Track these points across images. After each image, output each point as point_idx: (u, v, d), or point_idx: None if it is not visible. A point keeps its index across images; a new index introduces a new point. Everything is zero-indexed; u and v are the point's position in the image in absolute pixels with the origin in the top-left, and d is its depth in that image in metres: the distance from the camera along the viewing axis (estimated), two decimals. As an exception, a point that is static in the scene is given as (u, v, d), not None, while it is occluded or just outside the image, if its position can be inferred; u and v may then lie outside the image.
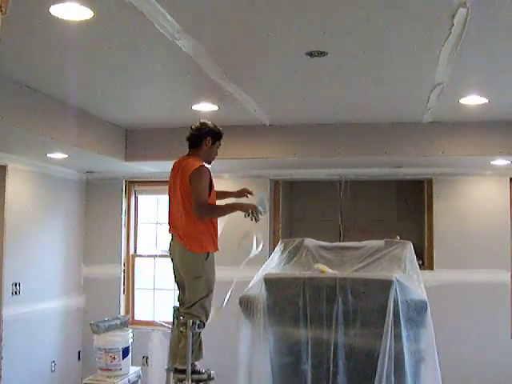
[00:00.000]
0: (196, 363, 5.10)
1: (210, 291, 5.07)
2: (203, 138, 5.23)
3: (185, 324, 4.94)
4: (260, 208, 4.95)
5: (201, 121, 5.27)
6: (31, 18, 3.60)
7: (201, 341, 5.12)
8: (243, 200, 5.31)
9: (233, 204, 5.26)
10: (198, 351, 5.12)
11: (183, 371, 4.97)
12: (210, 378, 4.98)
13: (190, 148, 5.25)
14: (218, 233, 5.11)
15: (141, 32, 3.86)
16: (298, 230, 8.41)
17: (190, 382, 4.98)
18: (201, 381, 5.08)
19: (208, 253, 5.05)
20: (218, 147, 5.27)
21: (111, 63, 4.67)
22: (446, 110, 6.05)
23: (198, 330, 5.00)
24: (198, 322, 4.99)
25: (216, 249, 5.12)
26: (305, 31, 3.89)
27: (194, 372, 5.04)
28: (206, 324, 5.09)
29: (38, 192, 7.67)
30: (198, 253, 5.11)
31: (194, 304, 5.11)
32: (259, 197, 5.10)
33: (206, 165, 5.08)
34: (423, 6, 3.47)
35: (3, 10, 1.10)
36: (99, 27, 3.80)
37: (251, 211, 4.95)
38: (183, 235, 5.09)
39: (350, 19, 3.70)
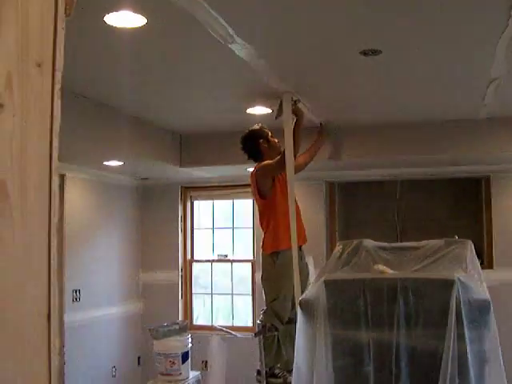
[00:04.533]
0: (276, 367, 5.10)
1: (279, 294, 5.05)
2: (256, 142, 5.31)
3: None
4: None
5: (244, 133, 5.39)
6: (87, 28, 3.65)
7: (280, 344, 5.09)
8: None
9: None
10: (276, 355, 5.10)
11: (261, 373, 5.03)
12: (285, 382, 4.94)
13: (254, 160, 5.36)
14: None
15: (194, 37, 3.88)
16: (355, 232, 8.34)
17: None
18: None
19: (278, 253, 5.03)
20: (274, 141, 5.32)
21: (165, 69, 4.71)
22: (503, 106, 5.92)
23: (268, 334, 4.99)
24: (268, 326, 4.99)
25: (277, 247, 5.08)
26: (358, 30, 3.85)
27: (272, 375, 5.04)
28: (281, 327, 5.09)
29: (95, 200, 7.78)
30: (266, 253, 5.14)
31: (267, 307, 5.13)
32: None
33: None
34: None
35: (67, 12, 1.10)
36: (152, 34, 3.84)
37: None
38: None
39: (402, 16, 3.66)
